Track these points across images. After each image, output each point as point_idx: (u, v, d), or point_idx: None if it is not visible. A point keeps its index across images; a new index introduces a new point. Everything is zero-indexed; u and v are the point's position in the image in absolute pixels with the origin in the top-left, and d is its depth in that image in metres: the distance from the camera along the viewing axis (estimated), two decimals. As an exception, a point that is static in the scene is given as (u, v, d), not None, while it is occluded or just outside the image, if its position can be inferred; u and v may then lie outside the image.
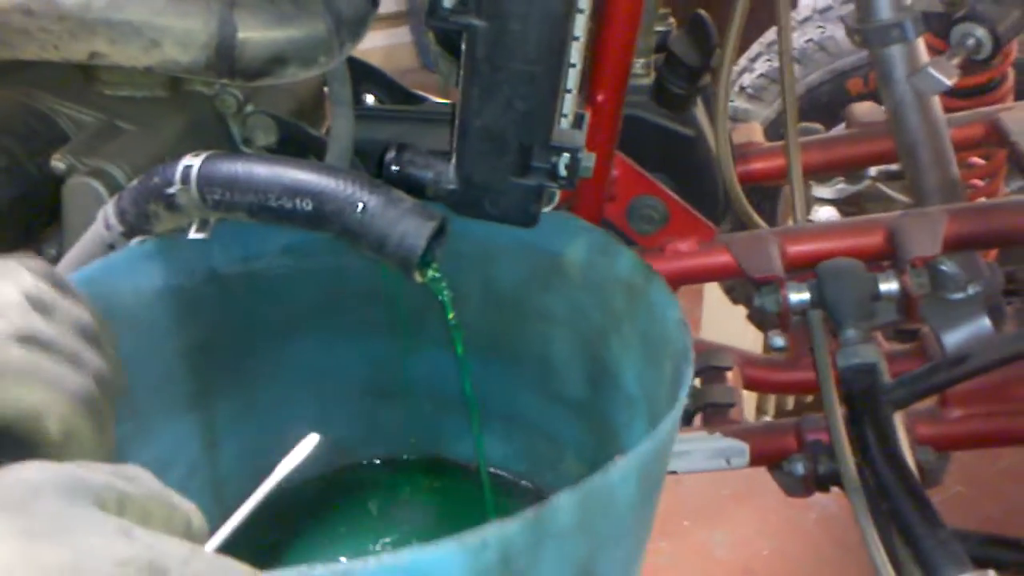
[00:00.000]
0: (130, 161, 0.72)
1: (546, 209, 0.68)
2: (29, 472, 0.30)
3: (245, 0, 0.64)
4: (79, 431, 0.38)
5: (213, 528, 0.46)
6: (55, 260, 0.71)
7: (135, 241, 0.64)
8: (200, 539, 0.35)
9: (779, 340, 0.97)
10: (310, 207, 0.61)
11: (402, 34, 3.00)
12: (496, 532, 0.41)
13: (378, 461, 0.81)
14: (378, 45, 2.84)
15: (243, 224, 0.64)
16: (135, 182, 0.65)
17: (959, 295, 0.96)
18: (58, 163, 0.71)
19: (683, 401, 0.51)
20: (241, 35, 0.64)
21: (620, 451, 0.66)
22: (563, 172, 0.64)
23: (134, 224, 0.64)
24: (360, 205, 0.60)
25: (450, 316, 0.66)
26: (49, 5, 0.61)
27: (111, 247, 0.65)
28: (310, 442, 0.50)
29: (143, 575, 0.28)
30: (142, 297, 0.66)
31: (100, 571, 0.27)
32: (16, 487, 0.29)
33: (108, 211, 0.65)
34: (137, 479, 0.33)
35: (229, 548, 0.49)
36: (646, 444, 0.47)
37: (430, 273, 0.64)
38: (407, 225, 0.59)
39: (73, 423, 0.37)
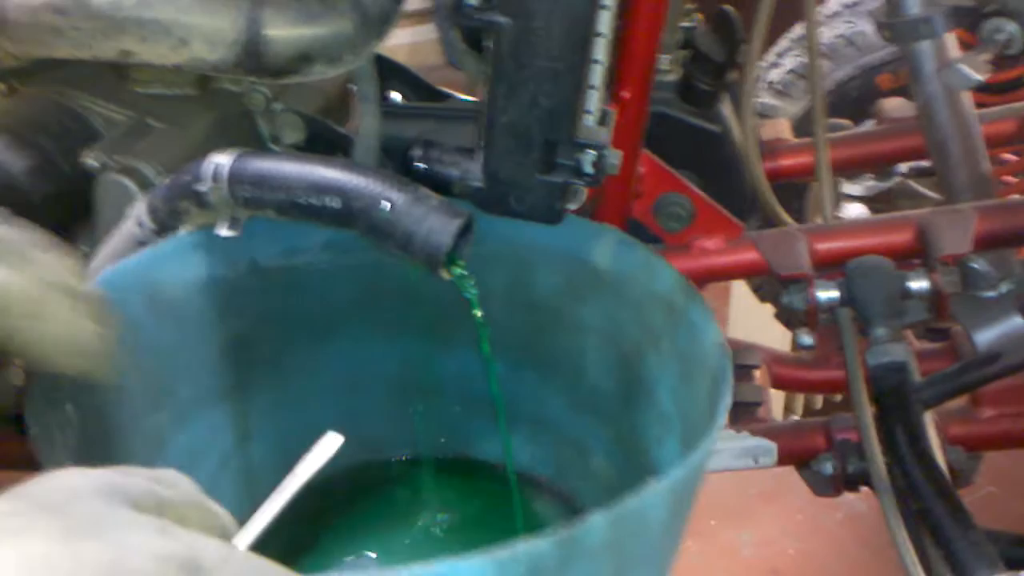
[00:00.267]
0: (161, 159, 0.72)
1: (572, 206, 0.68)
2: (68, 477, 0.31)
3: (272, -2, 0.65)
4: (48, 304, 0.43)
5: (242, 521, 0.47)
6: (87, 257, 0.72)
7: (182, 231, 0.65)
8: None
9: (807, 338, 0.96)
10: (337, 205, 0.61)
11: (427, 31, 3.01)
12: (527, 548, 0.41)
13: (406, 459, 0.82)
14: (404, 42, 2.85)
15: (285, 218, 0.65)
16: (166, 180, 0.65)
17: (991, 293, 0.95)
18: (90, 160, 0.72)
19: (720, 426, 0.51)
20: (268, 33, 0.64)
21: (650, 465, 0.67)
22: (588, 169, 0.64)
23: (165, 221, 0.65)
24: (386, 203, 0.60)
25: (476, 313, 0.66)
26: (80, 4, 0.62)
27: (142, 244, 0.66)
28: (334, 442, 0.50)
29: (183, 572, 0.28)
30: (187, 287, 0.67)
31: (142, 567, 0.28)
32: (56, 491, 0.30)
33: (139, 208, 0.66)
34: (176, 485, 0.34)
35: (257, 537, 0.49)
36: (681, 469, 0.47)
37: (457, 271, 0.64)
38: (433, 222, 0.60)
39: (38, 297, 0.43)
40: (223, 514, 0.35)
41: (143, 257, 0.64)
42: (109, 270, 0.62)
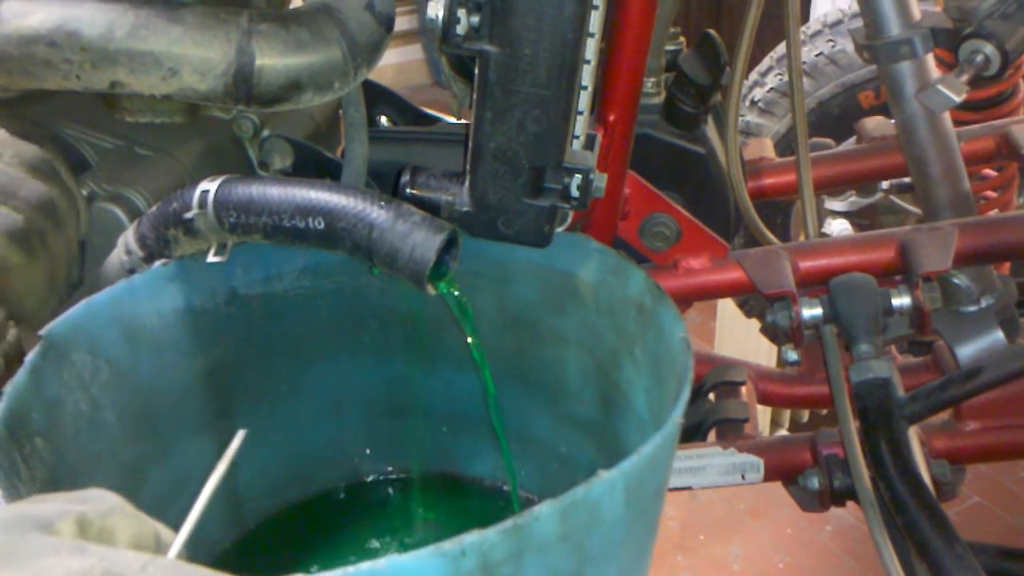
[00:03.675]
0: (150, 187, 0.73)
1: (559, 229, 0.69)
2: None
3: (262, 28, 0.65)
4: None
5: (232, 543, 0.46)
6: (77, 285, 0.72)
7: (158, 264, 0.66)
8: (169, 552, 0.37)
9: (792, 354, 0.97)
10: (322, 226, 0.61)
11: (414, 51, 3.03)
12: (475, 540, 0.41)
13: (395, 478, 0.82)
14: (390, 62, 2.86)
15: (263, 246, 0.65)
16: (154, 208, 0.66)
17: (972, 308, 0.96)
18: (80, 190, 0.72)
19: (678, 420, 0.51)
20: (258, 62, 0.65)
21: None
22: (576, 193, 0.65)
23: (154, 249, 0.65)
24: (370, 221, 0.60)
25: (468, 329, 0.67)
26: (71, 36, 0.62)
27: (131, 272, 0.66)
28: (239, 438, 0.50)
29: None
30: (164, 318, 0.67)
31: None
32: None
33: (128, 237, 0.66)
34: (97, 500, 0.35)
35: (246, 562, 0.49)
36: (632, 460, 0.47)
37: (443, 286, 0.64)
38: (417, 238, 0.60)
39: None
40: (156, 525, 0.36)
41: (117, 290, 0.64)
42: (83, 304, 0.62)
